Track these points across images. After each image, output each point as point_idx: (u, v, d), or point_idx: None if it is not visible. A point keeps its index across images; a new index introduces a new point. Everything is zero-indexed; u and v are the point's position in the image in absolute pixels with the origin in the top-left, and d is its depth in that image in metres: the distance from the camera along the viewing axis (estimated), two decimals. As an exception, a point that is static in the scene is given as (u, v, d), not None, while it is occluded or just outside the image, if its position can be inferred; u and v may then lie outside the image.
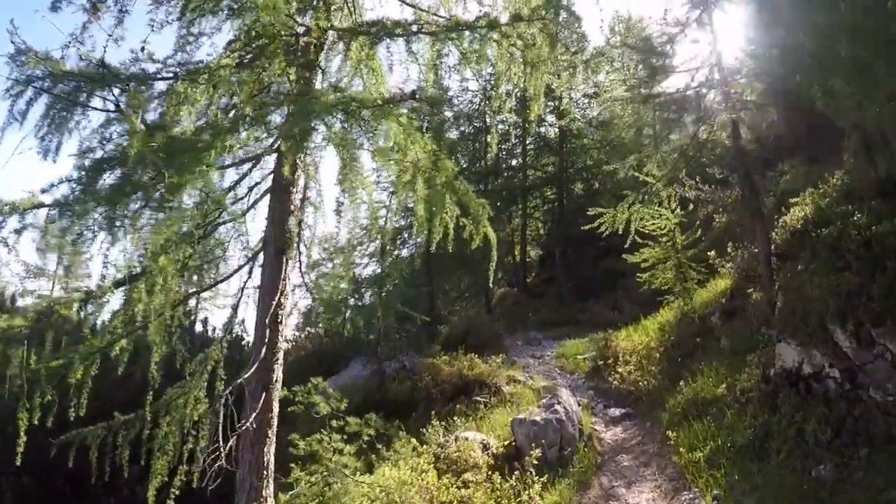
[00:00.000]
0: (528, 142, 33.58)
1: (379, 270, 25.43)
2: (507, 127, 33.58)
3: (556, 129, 33.16)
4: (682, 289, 15.77)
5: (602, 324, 21.27)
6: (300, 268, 10.82)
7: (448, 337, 19.28)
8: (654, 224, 15.84)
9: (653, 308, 18.31)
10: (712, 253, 15.82)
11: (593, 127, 33.10)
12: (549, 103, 32.76)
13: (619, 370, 14.06)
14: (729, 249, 15.60)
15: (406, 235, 25.78)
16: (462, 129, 32.43)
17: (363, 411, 15.50)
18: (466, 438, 10.25)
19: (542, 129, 34.25)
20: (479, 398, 13.59)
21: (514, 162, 34.33)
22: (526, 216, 33.76)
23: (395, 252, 25.94)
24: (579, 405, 13.58)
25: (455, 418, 11.49)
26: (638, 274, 17.06)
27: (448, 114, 31.00)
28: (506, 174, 33.88)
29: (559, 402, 10.80)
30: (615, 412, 13.06)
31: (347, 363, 21.15)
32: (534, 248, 38.07)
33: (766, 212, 12.17)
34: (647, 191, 13.90)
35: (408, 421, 13.96)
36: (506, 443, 10.48)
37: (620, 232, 14.24)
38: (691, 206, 24.69)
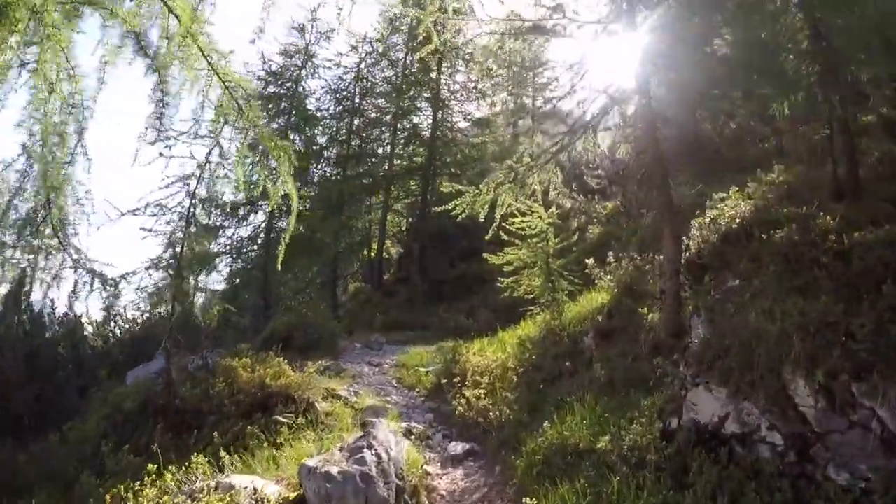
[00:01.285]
0: (398, 128, 30.11)
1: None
2: (378, 114, 30.27)
3: (430, 119, 29.94)
4: (550, 299, 12.74)
5: (454, 331, 18.33)
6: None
7: (270, 334, 15.40)
8: (524, 222, 12.79)
9: (512, 319, 15.31)
10: (591, 260, 12.89)
11: (468, 121, 30.19)
12: (425, 93, 29.70)
13: (467, 393, 10.77)
14: (610, 259, 12.73)
15: (245, 211, 21.58)
16: (327, 106, 28.49)
17: (139, 421, 11.54)
18: (232, 487, 6.55)
19: (416, 119, 31.00)
20: (281, 418, 9.93)
21: (380, 150, 30.69)
22: (387, 208, 30.23)
23: (232, 231, 21.66)
24: (413, 434, 10.29)
25: (223, 454, 7.81)
26: (500, 279, 13.95)
27: (313, 83, 27.15)
28: (371, 161, 30.10)
29: (370, 447, 7.21)
30: (457, 448, 9.75)
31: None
32: (395, 244, 34.64)
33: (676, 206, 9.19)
34: (517, 171, 10.71)
35: (191, 440, 10.19)
36: (293, 495, 6.88)
37: (482, 219, 11.00)
38: (566, 205, 22.35)
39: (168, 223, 13.14)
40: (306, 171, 24.35)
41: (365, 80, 29.27)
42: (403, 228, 32.88)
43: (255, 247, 21.71)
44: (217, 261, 20.82)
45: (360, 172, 28.54)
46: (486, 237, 11.65)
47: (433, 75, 29.51)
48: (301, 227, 23.11)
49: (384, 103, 30.07)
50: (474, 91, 29.93)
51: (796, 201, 6.89)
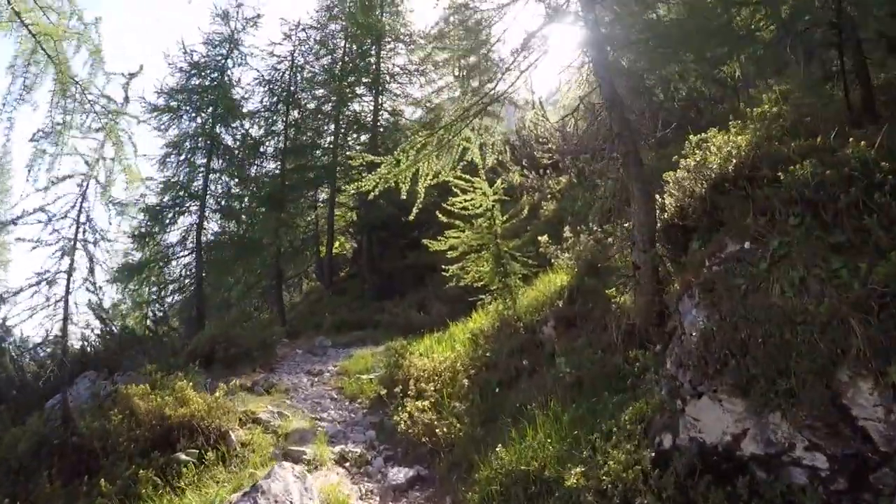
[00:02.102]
0: (341, 119, 27.92)
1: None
2: (317, 104, 28.02)
3: (371, 105, 27.83)
4: (502, 286, 10.85)
5: (405, 328, 16.35)
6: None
7: (193, 349, 13.16)
8: (466, 200, 10.91)
9: (466, 311, 13.40)
10: (544, 238, 11.00)
11: (412, 104, 28.12)
12: (364, 79, 27.56)
13: (409, 406, 8.77)
14: (566, 233, 10.86)
15: (173, 214, 19.16)
16: (261, 98, 26.04)
17: (32, 466, 9.37)
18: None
19: (357, 106, 28.80)
20: (182, 455, 7.84)
21: (322, 142, 28.30)
22: (333, 202, 28.03)
23: (160, 236, 19.20)
24: (348, 460, 8.39)
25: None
26: (444, 266, 12.00)
27: (244, 75, 24.75)
28: (312, 154, 27.65)
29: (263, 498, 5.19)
30: (399, 475, 7.81)
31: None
32: (349, 239, 32.21)
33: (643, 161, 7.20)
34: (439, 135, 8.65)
35: (82, 487, 8.05)
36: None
37: (404, 195, 8.98)
38: (515, 181, 20.52)
39: (57, 231, 10.91)
40: (241, 168, 21.91)
41: (301, 69, 27.01)
42: (353, 221, 30.59)
43: (185, 252, 19.40)
44: (146, 271, 18.50)
45: (300, 165, 26.25)
46: (410, 218, 9.66)
47: (372, 59, 27.50)
48: (235, 227, 20.95)
49: (323, 93, 27.85)
50: (416, 73, 27.91)
51: (804, 134, 5.04)
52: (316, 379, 12.98)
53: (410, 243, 23.59)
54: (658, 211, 6.25)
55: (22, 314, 10.80)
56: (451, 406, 8.57)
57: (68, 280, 10.53)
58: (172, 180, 19.14)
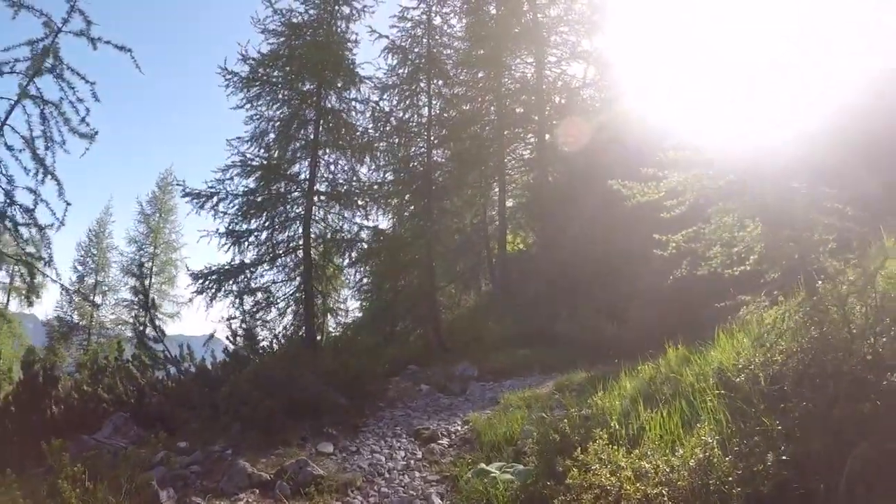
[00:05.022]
0: (502, 84, 22.40)
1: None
2: (465, 68, 22.74)
3: (533, 66, 22.53)
4: (801, 266, 4.44)
5: (590, 346, 10.27)
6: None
7: (229, 394, 7.70)
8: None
9: (693, 321, 6.96)
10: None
11: (578, 59, 22.14)
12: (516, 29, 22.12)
13: None
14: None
15: (268, 204, 13.84)
16: (394, 67, 21.04)
17: None
18: None
19: (517, 71, 23.60)
20: None
21: (478, 114, 22.71)
22: (504, 187, 22.33)
23: (256, 230, 14.03)
24: None
25: None
26: (658, 236, 5.54)
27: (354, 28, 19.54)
28: (472, 129, 22.04)
29: None
30: None
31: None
32: (528, 232, 25.79)
33: None
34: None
35: None
36: None
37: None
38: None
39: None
40: (368, 146, 16.22)
41: (437, 32, 21.57)
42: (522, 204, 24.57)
43: (287, 251, 14.18)
44: (233, 280, 13.56)
45: (452, 142, 20.82)
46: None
47: (525, 8, 21.81)
48: (357, 218, 15.47)
49: (467, 55, 22.67)
50: (579, 25, 22.17)
51: None
52: (420, 453, 7.06)
53: (601, 226, 16.96)
54: None
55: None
56: None
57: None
58: (265, 162, 14.04)
